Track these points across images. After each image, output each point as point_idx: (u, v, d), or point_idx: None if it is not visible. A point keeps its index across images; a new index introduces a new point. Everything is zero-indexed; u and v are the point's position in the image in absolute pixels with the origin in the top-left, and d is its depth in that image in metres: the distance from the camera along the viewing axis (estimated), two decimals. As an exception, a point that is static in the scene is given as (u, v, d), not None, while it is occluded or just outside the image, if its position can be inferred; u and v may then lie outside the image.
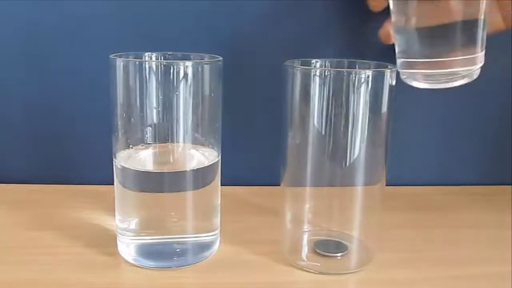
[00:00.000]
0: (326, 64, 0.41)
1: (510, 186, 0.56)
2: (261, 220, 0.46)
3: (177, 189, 0.38)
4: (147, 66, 0.36)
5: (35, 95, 0.53)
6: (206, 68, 0.37)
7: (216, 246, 0.41)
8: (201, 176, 0.38)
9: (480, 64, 0.41)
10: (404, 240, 0.44)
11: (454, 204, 0.53)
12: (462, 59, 0.39)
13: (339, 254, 0.39)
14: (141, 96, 0.36)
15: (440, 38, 0.40)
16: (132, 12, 0.51)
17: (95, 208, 0.48)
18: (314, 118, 0.37)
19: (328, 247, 0.39)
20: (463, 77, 0.41)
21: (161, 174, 0.38)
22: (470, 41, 0.39)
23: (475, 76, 0.41)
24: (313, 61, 0.41)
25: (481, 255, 0.42)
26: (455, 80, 0.41)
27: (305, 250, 0.39)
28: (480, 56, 0.40)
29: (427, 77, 0.42)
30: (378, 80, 0.36)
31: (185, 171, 0.38)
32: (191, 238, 0.39)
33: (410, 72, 0.42)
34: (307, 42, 0.53)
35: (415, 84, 0.43)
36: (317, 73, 0.36)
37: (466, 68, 0.40)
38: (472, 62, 0.40)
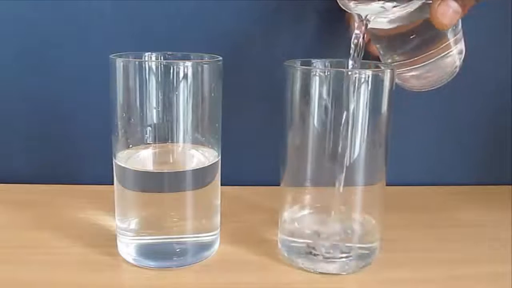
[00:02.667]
0: (326, 64, 0.41)
1: (510, 186, 0.56)
2: (261, 220, 0.46)
3: (177, 189, 0.38)
4: (147, 66, 0.36)
5: (35, 95, 0.53)
6: (206, 68, 0.37)
7: (216, 246, 0.41)
8: (201, 176, 0.38)
9: (458, 45, 0.42)
10: (404, 240, 0.44)
11: (454, 204, 0.53)
12: (437, 49, 0.41)
13: (339, 254, 0.38)
14: (141, 96, 0.36)
15: (409, 40, 0.41)
16: (132, 12, 0.51)
17: (95, 208, 0.48)
18: (314, 118, 0.37)
19: (328, 247, 0.39)
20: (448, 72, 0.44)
21: (161, 174, 0.38)
22: (439, 32, 0.41)
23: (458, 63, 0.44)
24: (313, 61, 0.41)
25: (481, 255, 0.42)
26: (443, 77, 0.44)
27: (305, 250, 0.39)
28: (452, 41, 0.42)
29: (416, 78, 0.44)
30: (378, 80, 0.36)
31: (185, 171, 0.38)
32: (191, 238, 0.39)
33: (399, 74, 0.44)
34: (307, 42, 0.53)
35: (409, 85, 0.45)
36: (317, 73, 0.36)
37: (443, 54, 0.42)
38: (447, 47, 0.42)
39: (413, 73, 0.43)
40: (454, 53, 0.43)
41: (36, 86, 0.52)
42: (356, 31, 0.39)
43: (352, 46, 0.39)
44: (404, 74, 0.43)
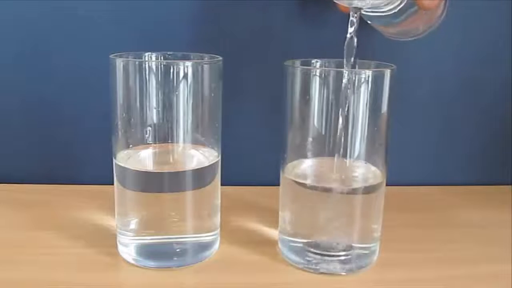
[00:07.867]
0: (326, 64, 0.41)
1: (510, 186, 0.56)
2: (261, 220, 0.46)
3: (177, 189, 0.38)
4: (147, 66, 0.36)
5: (35, 95, 0.53)
6: (206, 68, 0.37)
7: (216, 246, 0.41)
8: (201, 176, 0.38)
9: None
10: (405, 240, 0.44)
11: (454, 204, 0.53)
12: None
13: (339, 254, 0.38)
14: (141, 96, 0.36)
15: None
16: (132, 12, 0.51)
17: (95, 208, 0.48)
18: (314, 118, 0.37)
19: (328, 247, 0.39)
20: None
21: (161, 174, 0.38)
22: None
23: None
24: (313, 61, 0.41)
25: (481, 255, 0.42)
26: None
27: (305, 250, 0.39)
28: None
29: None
30: (378, 80, 0.36)
31: (185, 171, 0.38)
32: (191, 238, 0.39)
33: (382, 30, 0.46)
34: (307, 42, 0.53)
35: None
36: (317, 73, 0.36)
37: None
38: None
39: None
40: None
41: (36, 86, 0.52)
42: (350, 30, 0.39)
43: (345, 46, 0.39)
44: (398, 29, 0.44)
